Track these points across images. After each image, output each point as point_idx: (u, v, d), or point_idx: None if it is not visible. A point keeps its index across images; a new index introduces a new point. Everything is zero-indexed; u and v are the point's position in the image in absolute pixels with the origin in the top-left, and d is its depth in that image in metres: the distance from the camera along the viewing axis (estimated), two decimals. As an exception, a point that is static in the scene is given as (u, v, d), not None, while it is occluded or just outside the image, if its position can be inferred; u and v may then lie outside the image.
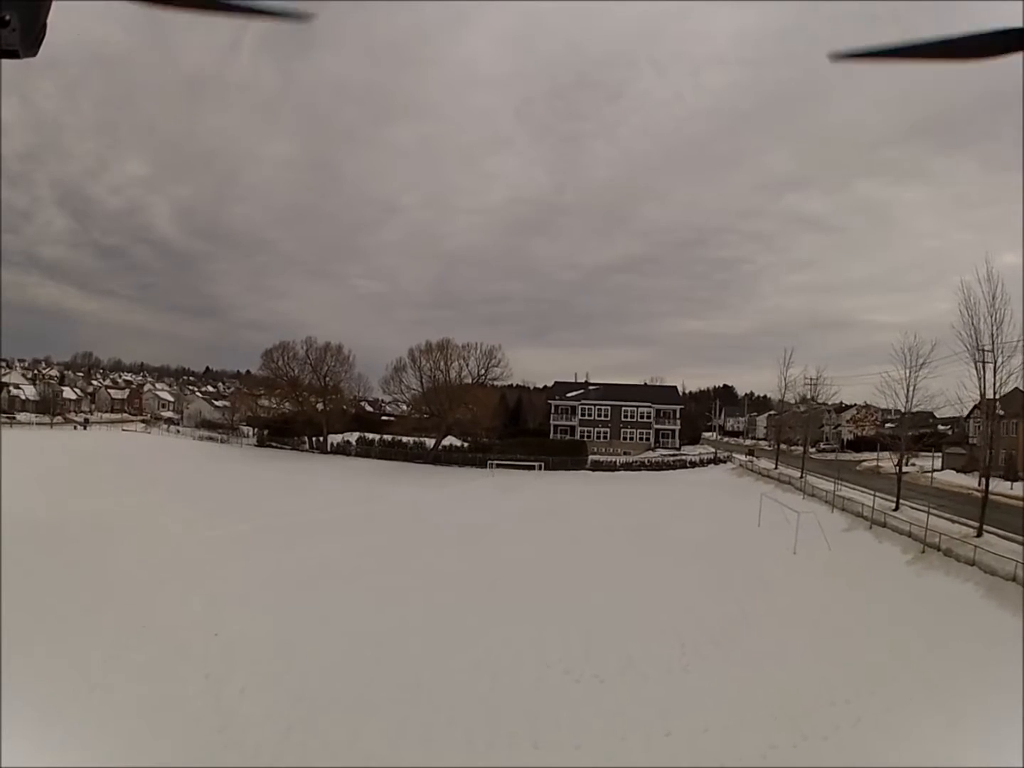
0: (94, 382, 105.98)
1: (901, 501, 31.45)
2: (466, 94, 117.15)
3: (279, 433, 63.83)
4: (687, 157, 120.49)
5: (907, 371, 32.81)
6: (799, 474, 44.66)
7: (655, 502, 36.69)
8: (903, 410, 35.55)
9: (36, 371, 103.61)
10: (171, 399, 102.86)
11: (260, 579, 19.81)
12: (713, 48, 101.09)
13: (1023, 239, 52.90)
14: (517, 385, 78.98)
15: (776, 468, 49.80)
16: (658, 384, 72.62)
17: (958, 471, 47.89)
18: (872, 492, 35.50)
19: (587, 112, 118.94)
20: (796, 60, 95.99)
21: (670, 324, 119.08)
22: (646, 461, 56.03)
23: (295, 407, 62.80)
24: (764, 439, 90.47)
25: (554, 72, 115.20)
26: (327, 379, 62.61)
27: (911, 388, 32.67)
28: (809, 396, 58.08)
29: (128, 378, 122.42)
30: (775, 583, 21.54)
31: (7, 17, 1.25)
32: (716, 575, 21.73)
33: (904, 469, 52.16)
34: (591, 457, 56.25)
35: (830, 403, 58.09)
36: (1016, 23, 1.21)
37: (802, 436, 63.76)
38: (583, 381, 67.70)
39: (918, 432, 56.49)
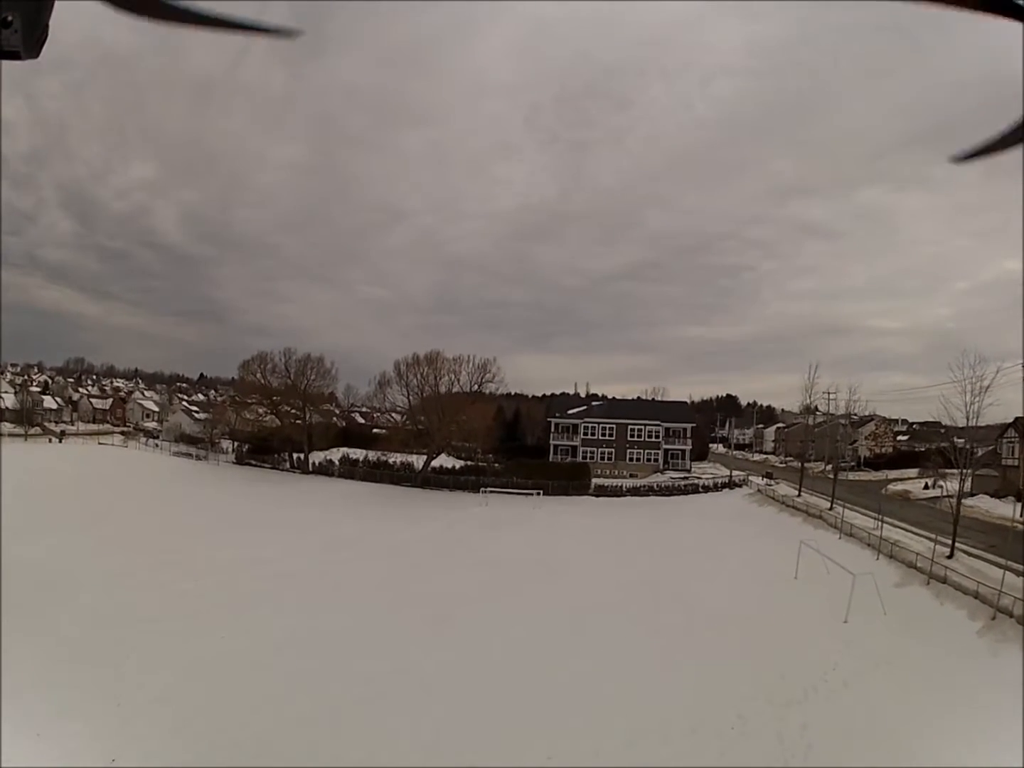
0: (81, 389, 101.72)
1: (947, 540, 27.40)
2: (475, 101, 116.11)
3: (259, 450, 59.33)
4: (692, 165, 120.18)
5: (966, 394, 29.20)
6: (825, 500, 40.39)
7: (670, 544, 32.01)
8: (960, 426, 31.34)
9: (26, 376, 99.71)
10: (156, 409, 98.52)
11: (158, 688, 15.30)
12: (721, 57, 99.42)
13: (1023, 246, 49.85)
14: (515, 394, 75.09)
15: (799, 495, 45.26)
16: (667, 400, 68.14)
17: (991, 495, 43.54)
18: (915, 530, 31.48)
19: (595, 120, 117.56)
20: (802, 70, 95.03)
21: (672, 330, 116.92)
22: (655, 485, 51.31)
23: (275, 421, 58.50)
24: (772, 453, 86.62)
25: (563, 80, 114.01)
26: (306, 391, 58.19)
27: (975, 416, 28.77)
28: (826, 408, 54.30)
29: (119, 384, 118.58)
30: (831, 671, 17.07)
31: (9, 18, 1.21)
32: (761, 662, 17.23)
33: (933, 493, 48.35)
34: (595, 481, 51.49)
35: (853, 415, 53.71)
36: (1016, 30, 1.18)
37: (821, 453, 59.88)
38: (585, 395, 63.29)
39: (937, 446, 52.66)
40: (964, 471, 30.67)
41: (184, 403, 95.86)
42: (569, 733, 14.06)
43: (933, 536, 28.38)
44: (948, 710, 14.90)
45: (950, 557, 26.42)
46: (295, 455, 57.80)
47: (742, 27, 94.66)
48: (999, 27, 1.18)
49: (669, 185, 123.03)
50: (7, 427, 68.39)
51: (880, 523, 31.51)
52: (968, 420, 29.67)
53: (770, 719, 14.49)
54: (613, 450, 57.97)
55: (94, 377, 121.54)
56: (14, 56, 1.23)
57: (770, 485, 50.76)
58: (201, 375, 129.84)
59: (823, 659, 17.79)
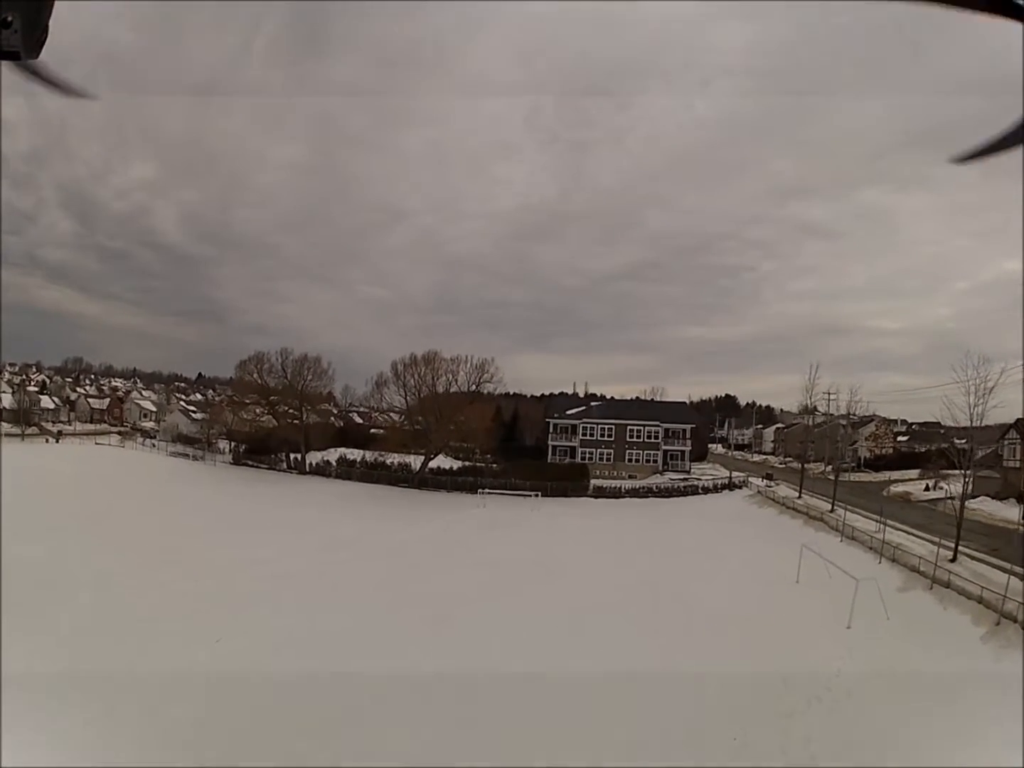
0: (79, 389, 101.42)
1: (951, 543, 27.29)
2: (475, 101, 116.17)
3: (256, 450, 59.09)
4: (692, 165, 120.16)
5: (970, 395, 29.31)
6: (826, 502, 40.23)
7: (669, 546, 31.89)
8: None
9: (24, 376, 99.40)
10: (153, 409, 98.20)
11: (158, 688, 15.15)
12: (721, 57, 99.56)
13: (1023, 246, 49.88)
14: (514, 394, 74.86)
15: (800, 496, 45.15)
16: (666, 400, 67.96)
17: (992, 497, 43.37)
18: (917, 533, 31.27)
19: (595, 120, 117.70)
20: (802, 70, 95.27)
21: (672, 331, 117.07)
22: (654, 487, 51.07)
23: (272, 421, 58.29)
24: (772, 453, 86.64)
25: (563, 80, 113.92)
26: (303, 391, 57.91)
27: (979, 417, 28.81)
28: (826, 409, 54.19)
29: (117, 384, 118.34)
30: (835, 682, 16.88)
31: (9, 18, 1.23)
32: (763, 666, 17.10)
33: (934, 495, 48.20)
34: (593, 482, 51.27)
35: (853, 416, 53.61)
36: (1016, 31, 1.20)
37: (821, 454, 59.71)
38: (583, 395, 63.10)
39: (938, 447, 52.44)
40: (966, 473, 30.42)
41: (182, 403, 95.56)
42: (568, 734, 13.96)
43: (936, 539, 28.17)
44: (950, 715, 14.79)
45: (953, 560, 26.16)
46: (292, 455, 57.53)
47: (743, 27, 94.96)
48: (999, 28, 1.20)
49: (669, 185, 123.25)
50: (4, 427, 68.16)
51: (882, 526, 31.31)
52: (972, 421, 29.53)
53: (772, 728, 14.38)
54: (612, 451, 57.66)
55: (92, 377, 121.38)
56: (14, 56, 1.24)
57: (770, 486, 50.58)
58: (199, 375, 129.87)
59: (826, 665, 17.65)
